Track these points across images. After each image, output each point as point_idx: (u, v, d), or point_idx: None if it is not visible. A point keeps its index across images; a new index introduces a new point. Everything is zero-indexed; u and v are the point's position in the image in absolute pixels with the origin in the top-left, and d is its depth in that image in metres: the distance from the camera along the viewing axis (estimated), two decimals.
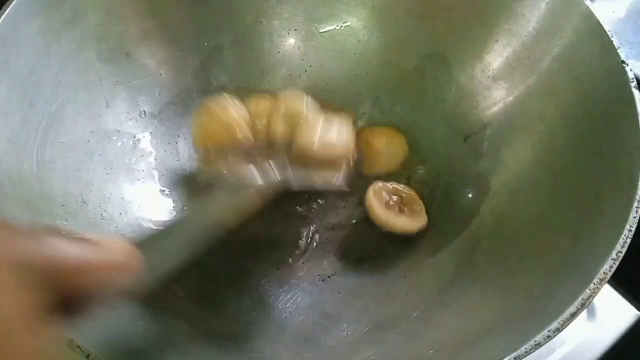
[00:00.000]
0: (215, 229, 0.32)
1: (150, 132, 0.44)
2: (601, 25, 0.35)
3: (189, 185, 0.45)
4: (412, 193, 0.43)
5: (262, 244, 0.43)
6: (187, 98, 0.46)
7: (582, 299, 0.27)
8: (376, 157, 0.45)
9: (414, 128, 0.46)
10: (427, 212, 0.42)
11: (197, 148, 0.41)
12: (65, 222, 0.35)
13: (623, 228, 0.29)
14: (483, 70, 0.43)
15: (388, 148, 0.46)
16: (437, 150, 0.45)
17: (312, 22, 0.48)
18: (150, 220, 0.42)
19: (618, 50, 0.34)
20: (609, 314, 0.42)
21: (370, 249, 0.42)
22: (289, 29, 0.48)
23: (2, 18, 0.34)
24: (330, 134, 0.37)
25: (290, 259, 0.42)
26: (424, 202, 0.43)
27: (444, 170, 0.44)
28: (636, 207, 0.29)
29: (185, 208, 0.43)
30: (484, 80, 0.43)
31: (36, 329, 0.15)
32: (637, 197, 0.29)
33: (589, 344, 0.41)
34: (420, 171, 0.45)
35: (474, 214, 0.41)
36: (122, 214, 0.40)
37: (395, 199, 0.42)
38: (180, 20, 0.45)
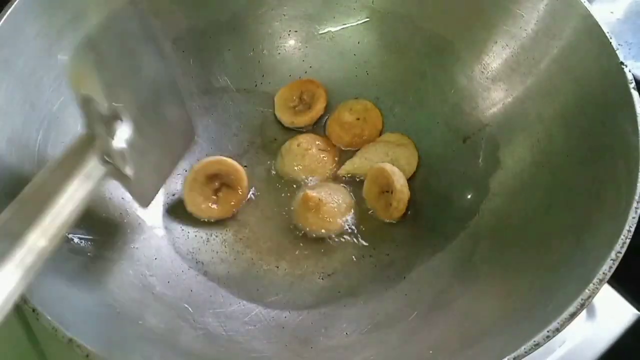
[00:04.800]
0: None
1: None
2: (600, 27, 0.35)
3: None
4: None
5: (260, 241, 0.43)
6: (187, 98, 0.46)
7: (582, 299, 0.27)
8: None
9: (414, 129, 0.47)
10: (427, 212, 0.43)
11: None
12: None
13: (622, 228, 0.29)
14: (482, 72, 0.43)
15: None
16: (436, 151, 0.45)
17: (313, 24, 0.48)
18: (150, 220, 0.42)
19: (617, 52, 0.34)
20: (608, 313, 0.42)
21: (370, 249, 0.42)
22: (290, 30, 0.49)
23: (3, 18, 0.34)
24: None
25: (289, 257, 0.42)
26: (423, 203, 0.43)
27: (444, 171, 0.44)
28: (635, 208, 0.29)
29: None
30: (483, 82, 0.44)
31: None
32: (637, 197, 0.30)
33: (589, 343, 0.41)
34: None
35: (473, 214, 0.41)
36: (122, 214, 0.40)
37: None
38: (181, 21, 0.45)
